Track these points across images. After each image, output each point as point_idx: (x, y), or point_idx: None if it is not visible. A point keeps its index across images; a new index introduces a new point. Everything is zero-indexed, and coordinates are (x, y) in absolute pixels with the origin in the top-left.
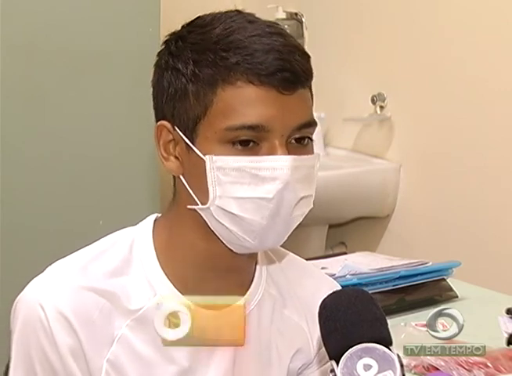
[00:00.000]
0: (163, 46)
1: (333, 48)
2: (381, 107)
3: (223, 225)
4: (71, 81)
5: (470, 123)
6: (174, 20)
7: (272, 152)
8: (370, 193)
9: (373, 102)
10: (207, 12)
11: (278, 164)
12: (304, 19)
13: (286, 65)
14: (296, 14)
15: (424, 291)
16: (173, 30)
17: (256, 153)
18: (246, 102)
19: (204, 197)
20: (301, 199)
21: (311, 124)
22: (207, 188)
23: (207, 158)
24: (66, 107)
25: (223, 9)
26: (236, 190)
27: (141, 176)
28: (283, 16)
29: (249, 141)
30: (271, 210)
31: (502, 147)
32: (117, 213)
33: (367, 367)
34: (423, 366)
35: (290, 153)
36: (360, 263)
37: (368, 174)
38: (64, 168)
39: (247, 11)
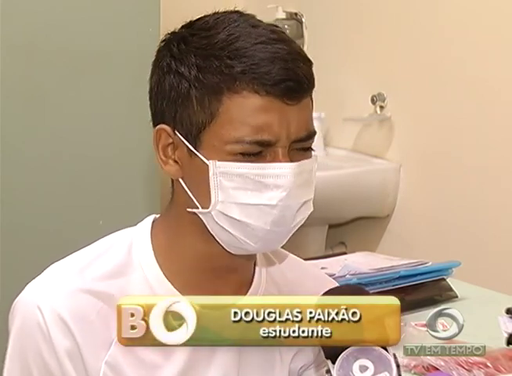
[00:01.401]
0: (162, 45)
1: (333, 48)
2: (381, 107)
3: (224, 228)
4: (71, 81)
5: (470, 123)
6: (174, 20)
7: (275, 160)
8: (370, 193)
9: (373, 102)
10: (208, 12)
11: (281, 172)
12: (304, 19)
13: (290, 74)
14: (296, 14)
15: (424, 291)
16: (172, 30)
17: (260, 161)
18: (252, 112)
19: (205, 200)
20: (303, 204)
21: (311, 136)
22: (209, 192)
23: (210, 163)
24: (66, 107)
25: (223, 9)
26: (239, 196)
27: (141, 176)
28: (283, 16)
29: (255, 152)
30: (274, 216)
31: (503, 147)
32: (117, 213)
33: (363, 368)
34: (423, 366)
35: (291, 159)
36: (360, 263)
37: (368, 174)
38: (64, 168)
39: (248, 11)
